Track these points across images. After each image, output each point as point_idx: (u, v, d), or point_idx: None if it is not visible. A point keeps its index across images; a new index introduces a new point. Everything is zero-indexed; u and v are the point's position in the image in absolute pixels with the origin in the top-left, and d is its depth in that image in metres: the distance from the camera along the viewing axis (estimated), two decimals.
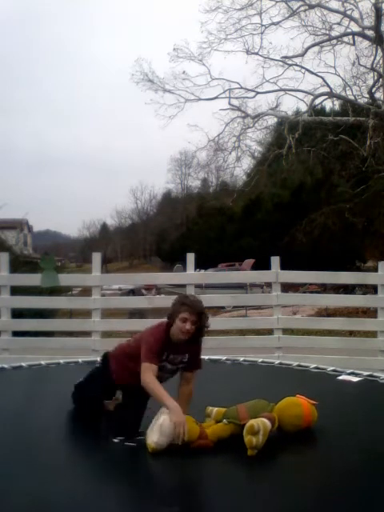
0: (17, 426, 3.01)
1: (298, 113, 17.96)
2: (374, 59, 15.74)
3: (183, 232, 39.72)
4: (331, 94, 16.90)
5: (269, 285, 6.16)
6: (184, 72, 17.20)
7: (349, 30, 16.08)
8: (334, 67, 17.00)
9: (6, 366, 4.60)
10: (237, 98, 17.56)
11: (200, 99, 17.65)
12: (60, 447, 2.71)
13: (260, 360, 4.83)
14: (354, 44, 16.14)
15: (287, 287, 12.14)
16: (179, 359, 2.91)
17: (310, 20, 16.47)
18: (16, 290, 6.68)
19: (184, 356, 2.91)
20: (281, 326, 6.07)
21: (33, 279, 6.40)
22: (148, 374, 2.74)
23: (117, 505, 2.11)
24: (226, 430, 2.65)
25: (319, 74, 16.80)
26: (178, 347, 2.88)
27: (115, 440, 2.71)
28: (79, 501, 2.13)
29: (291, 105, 40.08)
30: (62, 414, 3.25)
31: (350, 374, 4.21)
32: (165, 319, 2.96)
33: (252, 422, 2.51)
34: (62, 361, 4.85)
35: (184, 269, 6.60)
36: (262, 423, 2.52)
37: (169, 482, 2.38)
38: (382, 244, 20.41)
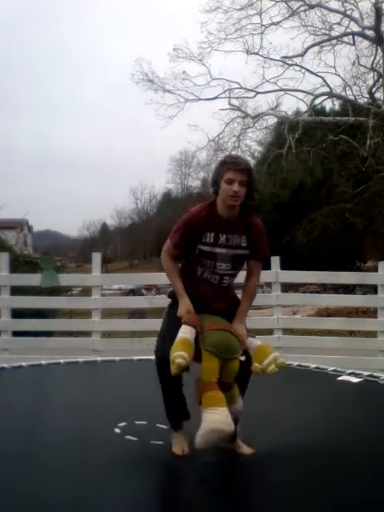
0: (17, 426, 3.01)
1: (298, 113, 17.93)
2: (374, 59, 15.75)
3: None
4: (331, 94, 16.89)
5: (269, 285, 6.16)
6: (184, 72, 17.19)
7: (349, 30, 16.08)
8: (334, 67, 17.01)
9: (6, 365, 4.60)
10: (237, 98, 17.57)
11: (200, 99, 17.64)
12: (60, 447, 2.71)
13: None
14: (354, 44, 16.14)
15: (287, 287, 12.11)
16: (236, 242, 2.50)
17: (310, 20, 16.47)
18: (16, 290, 6.68)
19: (240, 237, 2.50)
20: (281, 326, 6.07)
21: (33, 279, 6.40)
22: (164, 256, 2.57)
23: (117, 504, 2.11)
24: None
25: (319, 73, 16.81)
26: (229, 225, 2.47)
27: (116, 430, 2.71)
28: (80, 501, 2.13)
29: (291, 105, 40.07)
30: (63, 414, 3.25)
31: (350, 374, 4.21)
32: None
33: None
34: (62, 361, 4.86)
35: None
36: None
37: (170, 481, 2.38)
38: (382, 244, 20.38)
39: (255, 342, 2.48)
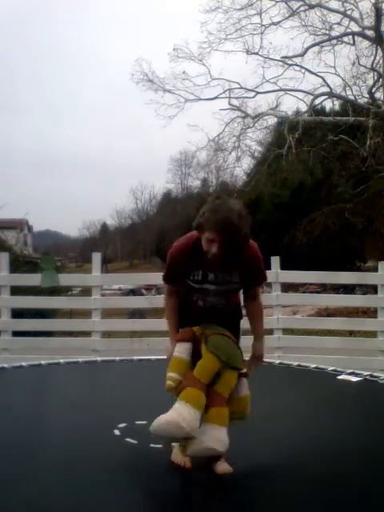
0: (17, 427, 3.01)
1: (298, 113, 17.93)
2: (374, 59, 15.75)
3: (183, 232, 39.67)
4: (331, 94, 16.90)
5: (269, 285, 6.17)
6: (184, 72, 17.20)
7: (349, 30, 16.08)
8: (334, 67, 17.01)
9: (6, 365, 4.60)
10: (237, 98, 17.58)
11: (200, 99, 17.65)
12: (60, 448, 2.71)
13: None
14: (354, 44, 16.14)
15: (287, 287, 12.12)
16: (226, 278, 2.33)
17: (310, 20, 16.47)
18: (16, 290, 6.68)
19: (231, 274, 2.33)
20: (281, 326, 6.08)
21: (33, 279, 6.40)
22: (165, 297, 2.53)
23: (117, 506, 2.11)
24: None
25: (319, 73, 16.82)
26: (217, 264, 2.28)
27: (116, 430, 2.71)
28: (78, 503, 2.12)
29: (291, 105, 40.01)
30: (63, 414, 3.25)
31: (349, 373, 4.21)
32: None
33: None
34: (62, 361, 4.86)
35: None
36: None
37: (170, 484, 2.37)
38: (382, 244, 20.39)
39: (244, 388, 2.42)
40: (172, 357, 2.34)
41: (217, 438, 2.22)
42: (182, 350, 2.33)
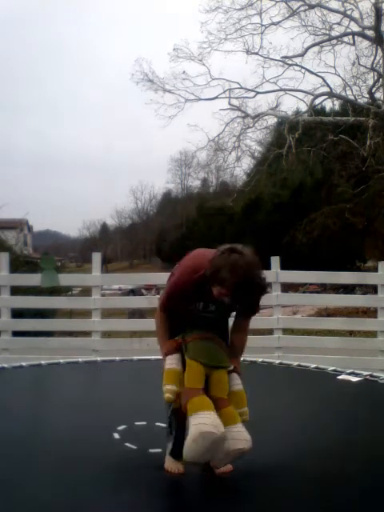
0: (17, 426, 3.01)
1: (298, 113, 17.92)
2: (374, 59, 15.74)
3: (183, 232, 39.68)
4: (331, 94, 16.89)
5: (269, 285, 6.16)
6: (184, 72, 17.20)
7: (349, 30, 16.07)
8: (334, 67, 16.98)
9: (6, 365, 4.60)
10: (237, 97, 17.55)
11: (200, 99, 17.64)
12: (59, 448, 2.71)
13: (260, 360, 4.83)
14: (354, 44, 16.13)
15: (287, 287, 12.11)
16: (226, 307, 2.37)
17: (310, 20, 16.45)
18: (16, 290, 6.68)
19: (232, 306, 2.35)
20: (281, 326, 6.08)
21: (33, 279, 6.40)
22: (158, 321, 2.45)
23: (117, 507, 2.11)
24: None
25: (319, 74, 16.79)
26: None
27: (116, 435, 2.70)
28: (78, 503, 2.12)
29: (291, 105, 39.98)
30: (62, 414, 3.26)
31: (349, 373, 4.22)
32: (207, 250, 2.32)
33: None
34: (62, 361, 4.86)
35: None
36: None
37: (171, 484, 2.37)
38: (382, 244, 20.40)
39: (238, 383, 2.40)
40: (165, 370, 2.33)
41: (237, 437, 2.21)
42: (172, 361, 2.35)
